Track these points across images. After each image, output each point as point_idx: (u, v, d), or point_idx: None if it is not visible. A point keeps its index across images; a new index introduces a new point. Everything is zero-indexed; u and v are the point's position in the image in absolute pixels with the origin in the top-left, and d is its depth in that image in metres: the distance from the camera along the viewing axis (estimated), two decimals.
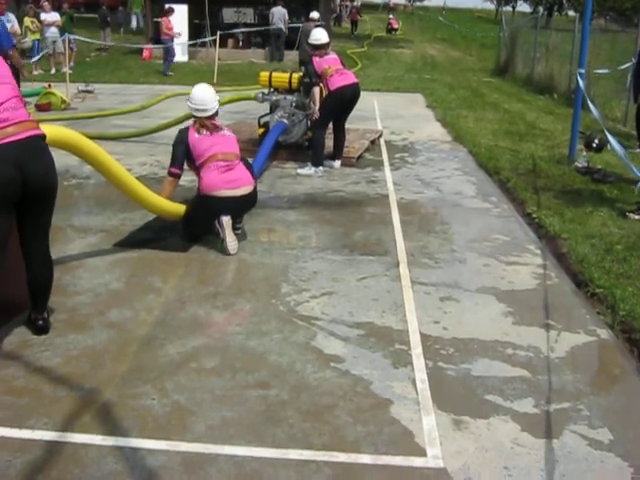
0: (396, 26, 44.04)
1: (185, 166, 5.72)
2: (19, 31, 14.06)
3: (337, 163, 8.43)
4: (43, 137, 3.83)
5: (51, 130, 4.19)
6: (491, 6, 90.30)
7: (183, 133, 5.68)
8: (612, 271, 5.05)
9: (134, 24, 32.20)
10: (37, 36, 19.55)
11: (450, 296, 4.72)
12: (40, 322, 4.00)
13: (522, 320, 4.39)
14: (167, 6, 20.78)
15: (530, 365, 3.81)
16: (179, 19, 21.50)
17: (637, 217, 6.53)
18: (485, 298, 4.72)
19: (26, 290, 3.99)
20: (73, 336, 3.97)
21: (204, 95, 5.69)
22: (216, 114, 5.75)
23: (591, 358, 4.09)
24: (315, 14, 16.95)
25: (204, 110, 5.65)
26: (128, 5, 34.69)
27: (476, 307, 4.57)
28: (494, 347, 4.01)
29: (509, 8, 77.10)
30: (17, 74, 11.13)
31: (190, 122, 5.80)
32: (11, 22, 13.67)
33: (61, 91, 13.15)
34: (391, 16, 45.12)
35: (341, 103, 8.26)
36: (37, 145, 3.76)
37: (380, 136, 10.33)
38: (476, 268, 5.28)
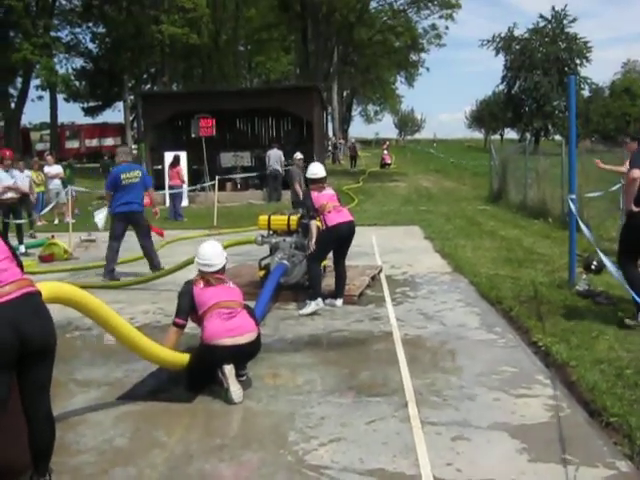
0: (389, 161, 45.41)
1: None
2: (22, 187, 14.38)
3: (339, 302, 8.45)
4: (38, 294, 3.86)
5: (49, 287, 4.23)
6: (480, 135, 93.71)
7: (189, 285, 5.81)
8: (624, 398, 4.95)
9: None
10: (42, 188, 20.11)
11: (462, 435, 4.60)
12: None
13: (538, 456, 4.26)
14: (175, 154, 21.57)
15: None
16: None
17: (632, 323, 6.74)
18: (498, 435, 4.61)
19: (26, 453, 3.90)
20: None
21: (210, 252, 5.86)
22: (223, 269, 5.89)
23: None
24: (298, 155, 17.30)
25: (210, 266, 5.80)
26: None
27: (489, 445, 4.46)
28: None
29: (497, 136, 79.88)
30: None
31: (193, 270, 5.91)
32: (14, 178, 14.09)
33: (64, 241, 13.38)
34: (385, 152, 46.54)
35: (337, 239, 8.41)
36: (32, 303, 3.78)
37: (380, 271, 10.41)
38: (486, 403, 5.18)
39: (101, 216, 13.75)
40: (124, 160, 11.18)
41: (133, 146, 53.56)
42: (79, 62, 52.27)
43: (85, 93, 57.71)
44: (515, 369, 5.99)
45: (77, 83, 56.04)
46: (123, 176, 10.65)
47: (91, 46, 50.20)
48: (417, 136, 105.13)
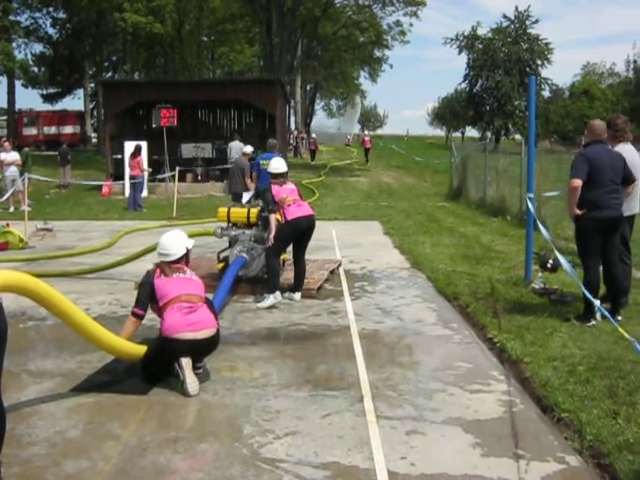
0: (369, 145, 45.61)
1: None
2: None
3: (297, 295, 8.46)
4: None
5: (0, 275, 4.11)
6: (441, 132, 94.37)
7: (150, 274, 5.75)
8: (576, 394, 5.04)
9: None
10: None
11: (416, 429, 4.64)
12: None
13: (490, 451, 4.32)
14: (137, 144, 21.33)
15: None
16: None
17: (578, 322, 6.91)
18: (452, 430, 4.65)
19: None
20: None
21: (168, 242, 5.79)
22: (182, 259, 5.81)
23: None
24: (248, 149, 16.69)
25: (166, 255, 5.74)
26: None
27: (443, 439, 4.50)
28: None
29: (458, 134, 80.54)
30: None
31: (152, 260, 5.83)
32: None
33: (19, 230, 13.15)
34: (366, 138, 47.04)
35: (296, 233, 8.42)
36: None
37: (339, 266, 10.43)
38: (441, 398, 5.23)
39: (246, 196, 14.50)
40: (269, 150, 13.56)
41: (93, 134, 52.93)
42: (38, 47, 51.50)
43: (44, 79, 56.76)
44: (470, 365, 6.06)
45: (36, 69, 55.14)
46: (262, 162, 12.69)
47: (51, 31, 49.48)
48: (379, 132, 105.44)
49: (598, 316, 6.87)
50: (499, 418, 4.88)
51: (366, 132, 64.35)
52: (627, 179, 7.12)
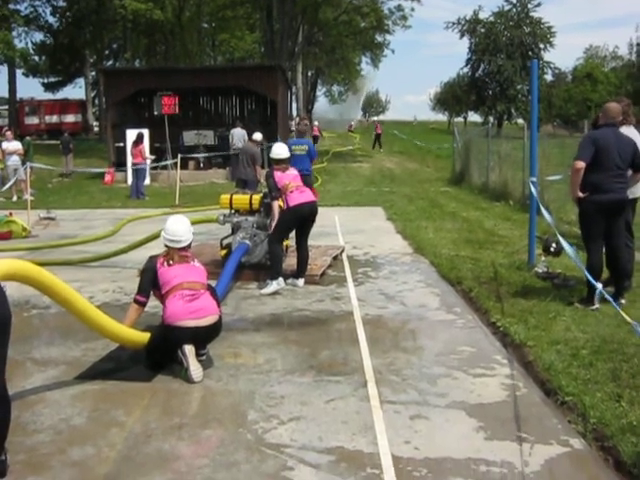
0: (379, 131, 45.69)
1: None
2: None
3: (300, 282, 8.46)
4: None
5: (3, 264, 4.11)
6: (444, 117, 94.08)
7: (152, 260, 5.75)
8: (579, 377, 5.05)
9: None
10: (1, 165, 19.77)
11: (420, 414, 4.65)
12: None
13: (494, 435, 4.33)
14: (139, 132, 21.28)
15: None
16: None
17: (581, 306, 6.92)
18: (455, 414, 4.66)
19: None
20: (32, 478, 3.82)
21: (177, 227, 5.78)
22: (189, 246, 5.83)
23: (566, 470, 4.01)
24: (258, 135, 16.39)
25: (177, 242, 5.73)
26: None
27: (447, 424, 4.51)
28: (467, 465, 3.93)
29: (461, 119, 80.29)
30: None
31: (155, 247, 5.83)
32: None
33: (22, 219, 13.16)
34: (377, 125, 47.14)
35: (298, 219, 8.40)
36: None
37: (342, 251, 10.43)
38: (445, 383, 5.24)
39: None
40: (299, 135, 13.94)
41: (94, 123, 52.84)
42: (39, 36, 51.38)
43: (45, 68, 56.68)
44: (474, 349, 6.07)
45: (37, 58, 55.00)
46: (294, 147, 12.32)
47: (51, 20, 49.32)
48: (382, 117, 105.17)
49: (596, 300, 6.85)
50: (503, 402, 4.89)
51: (375, 118, 65.18)
52: (638, 165, 7.03)
